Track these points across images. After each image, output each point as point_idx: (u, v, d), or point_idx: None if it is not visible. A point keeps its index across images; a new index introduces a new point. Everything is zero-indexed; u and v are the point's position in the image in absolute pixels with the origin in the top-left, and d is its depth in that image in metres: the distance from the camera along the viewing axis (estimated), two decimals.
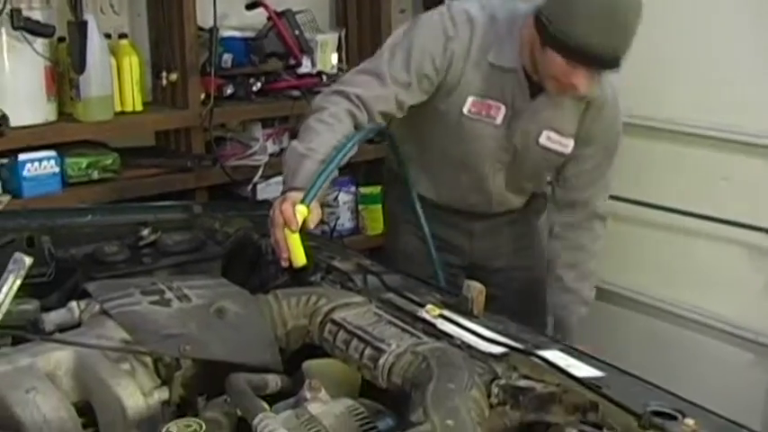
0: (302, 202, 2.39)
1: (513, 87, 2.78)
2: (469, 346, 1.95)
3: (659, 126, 3.62)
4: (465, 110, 2.81)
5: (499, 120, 2.82)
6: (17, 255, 1.38)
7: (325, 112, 2.66)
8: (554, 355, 1.93)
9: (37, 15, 3.32)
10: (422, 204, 2.95)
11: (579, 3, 2.50)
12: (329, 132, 2.61)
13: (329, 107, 2.68)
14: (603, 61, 2.56)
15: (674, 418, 1.65)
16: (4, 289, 1.35)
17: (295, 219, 2.35)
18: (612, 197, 3.22)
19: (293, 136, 3.93)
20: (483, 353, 1.93)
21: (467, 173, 2.95)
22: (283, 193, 2.49)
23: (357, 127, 2.68)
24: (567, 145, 2.89)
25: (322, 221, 2.76)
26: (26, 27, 3.26)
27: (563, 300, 3.03)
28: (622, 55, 2.55)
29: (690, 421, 1.64)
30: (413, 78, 2.74)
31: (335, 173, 2.63)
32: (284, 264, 2.39)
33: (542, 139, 2.86)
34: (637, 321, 3.87)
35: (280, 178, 3.76)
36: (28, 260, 1.38)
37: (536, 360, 1.89)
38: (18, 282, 1.39)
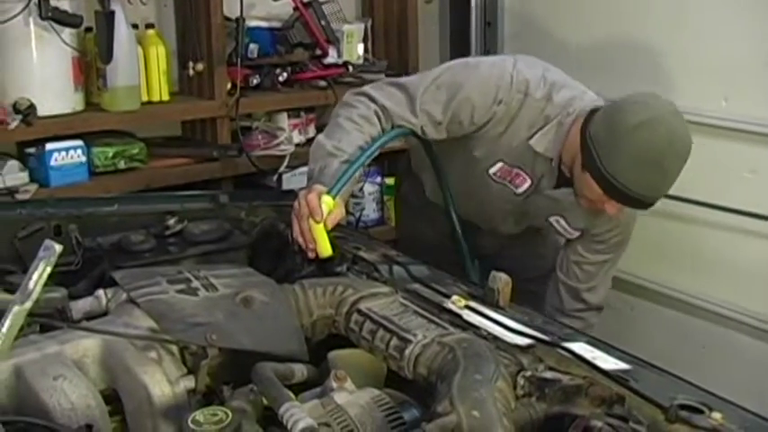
0: (328, 193, 2.39)
1: (543, 170, 2.76)
2: (496, 338, 1.95)
3: (686, 119, 3.59)
4: (491, 171, 2.81)
5: (521, 190, 2.81)
6: (47, 242, 1.38)
7: (354, 112, 2.66)
8: (580, 347, 1.92)
9: (65, 5, 3.33)
10: (435, 208, 3.01)
11: (628, 145, 2.47)
12: (358, 133, 2.62)
13: (359, 107, 2.68)
14: (639, 203, 2.57)
15: (700, 411, 1.65)
16: (35, 276, 1.36)
17: (320, 209, 2.35)
18: None
19: (319, 126, 3.98)
20: (509, 344, 1.92)
21: (478, 212, 2.98)
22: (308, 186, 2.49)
23: (384, 131, 2.68)
24: (573, 234, 2.90)
25: (347, 212, 2.76)
26: (54, 17, 3.28)
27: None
28: (659, 199, 2.57)
29: (717, 415, 1.64)
30: (445, 120, 2.72)
31: (362, 169, 2.62)
32: (311, 255, 2.39)
33: (552, 220, 2.88)
34: (663, 314, 3.85)
35: (305, 168, 3.80)
36: (58, 247, 1.38)
37: (562, 352, 1.89)
38: (48, 269, 1.39)
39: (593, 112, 2.61)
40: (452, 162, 2.88)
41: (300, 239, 2.40)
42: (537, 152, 2.72)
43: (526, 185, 2.81)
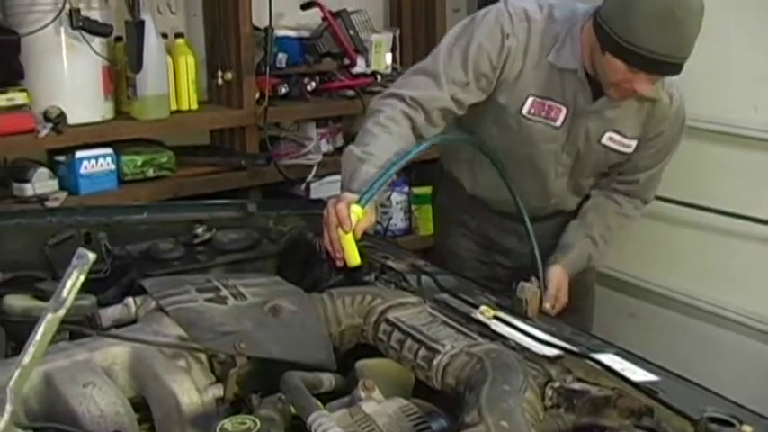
0: (357, 202, 2.39)
1: (574, 88, 2.75)
2: (524, 348, 1.94)
3: (712, 128, 3.58)
4: (525, 110, 2.78)
5: (559, 122, 2.79)
6: (81, 250, 1.39)
7: (381, 116, 2.66)
8: (609, 359, 1.91)
9: (95, 15, 3.36)
10: (474, 205, 2.94)
11: (638, 8, 2.47)
12: (386, 135, 2.61)
13: (385, 110, 2.67)
14: (665, 66, 2.53)
15: (731, 424, 1.64)
16: (68, 284, 1.36)
17: (349, 219, 2.35)
18: (665, 199, 3.19)
19: (347, 136, 3.99)
20: (537, 355, 1.92)
21: (530, 176, 2.91)
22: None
23: (415, 129, 2.68)
24: (630, 146, 2.86)
25: (376, 221, 2.77)
26: (85, 27, 3.30)
27: (577, 230, 3.02)
28: (684, 58, 2.52)
29: (747, 428, 1.62)
30: (470, 77, 2.72)
31: (393, 177, 2.61)
32: (339, 263, 2.39)
33: (604, 140, 2.84)
34: (691, 325, 3.82)
35: (333, 177, 3.84)
36: (91, 256, 1.39)
37: (591, 363, 1.88)
38: (82, 277, 1.40)
39: (595, 11, 2.62)
40: (484, 124, 2.87)
41: (329, 248, 2.40)
42: (561, 70, 2.72)
43: (563, 115, 2.79)
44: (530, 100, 2.77)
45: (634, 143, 2.86)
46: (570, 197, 3.03)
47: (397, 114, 2.66)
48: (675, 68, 2.55)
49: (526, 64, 2.73)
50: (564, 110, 2.77)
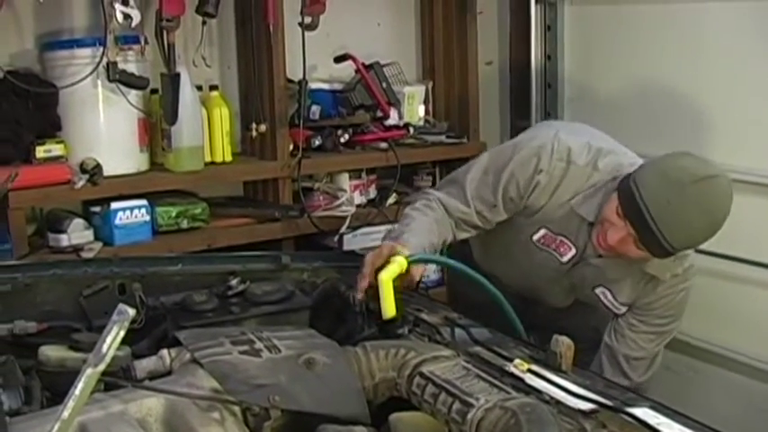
0: (407, 257, 2.42)
1: (587, 240, 2.75)
2: (558, 402, 1.93)
3: (750, 179, 3.56)
4: (535, 238, 2.81)
5: (566, 258, 2.81)
6: (121, 306, 1.40)
7: (417, 203, 2.81)
8: (644, 413, 1.89)
9: (131, 68, 3.40)
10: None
11: (666, 167, 2.50)
12: (423, 216, 2.74)
13: (419, 202, 2.82)
14: (645, 230, 2.52)
15: None
16: (108, 339, 1.37)
17: (383, 257, 2.41)
18: (701, 251, 3.16)
19: (380, 187, 4.01)
20: (572, 409, 1.90)
21: (525, 279, 2.94)
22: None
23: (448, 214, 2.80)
24: (620, 309, 2.86)
25: (408, 273, 2.76)
26: (121, 80, 3.35)
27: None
28: (667, 243, 2.52)
29: None
30: (499, 200, 2.76)
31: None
32: (359, 296, 2.41)
33: (597, 292, 2.85)
34: (727, 378, 3.79)
35: (366, 229, 3.86)
36: (131, 311, 1.40)
37: (625, 417, 1.86)
38: (122, 332, 1.40)
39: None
40: (495, 230, 2.88)
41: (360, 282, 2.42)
42: (581, 219, 2.71)
43: (571, 254, 2.80)
44: (542, 231, 2.79)
45: (624, 309, 2.86)
46: (569, 303, 3.02)
47: (432, 203, 2.77)
48: (665, 254, 2.57)
49: (551, 200, 2.74)
50: (573, 250, 2.79)
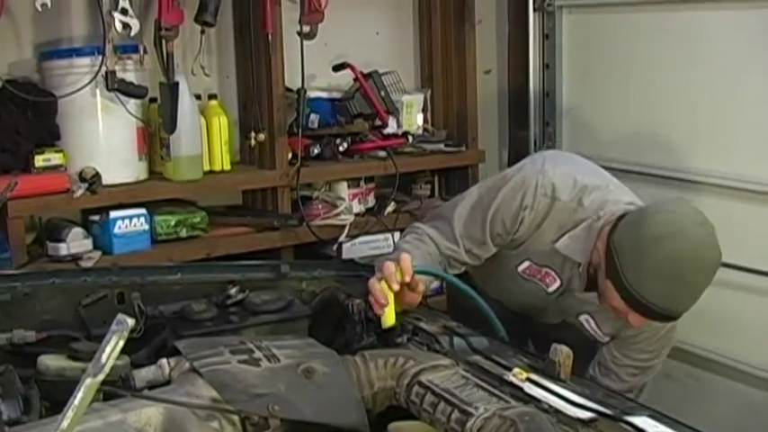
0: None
1: (572, 274, 2.74)
2: (557, 411, 1.93)
3: (750, 188, 3.57)
4: (520, 269, 2.81)
5: (552, 289, 2.80)
6: (120, 316, 1.40)
7: (408, 237, 2.84)
8: (643, 422, 1.90)
9: (130, 77, 3.40)
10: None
11: (650, 258, 2.42)
12: (416, 241, 2.78)
13: (411, 233, 2.85)
14: (661, 317, 2.52)
15: None
16: (108, 349, 1.37)
17: (395, 270, 2.41)
18: None
19: (379, 196, 4.01)
20: (571, 418, 1.90)
21: (517, 302, 2.94)
22: None
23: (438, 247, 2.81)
24: (603, 338, 2.84)
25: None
26: (120, 88, 3.35)
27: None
28: (683, 313, 2.51)
29: None
30: (487, 237, 2.76)
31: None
32: (377, 311, 2.41)
33: (582, 318, 2.83)
34: (728, 387, 3.78)
35: (365, 238, 3.86)
36: (131, 321, 1.40)
37: (625, 426, 1.87)
38: (121, 343, 1.41)
39: (621, 218, 2.56)
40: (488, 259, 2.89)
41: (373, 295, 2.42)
42: (566, 258, 2.71)
43: (556, 285, 2.79)
44: (526, 263, 2.79)
45: (607, 339, 2.84)
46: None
47: (423, 237, 2.79)
48: (671, 319, 2.56)
49: (536, 235, 2.73)
50: (558, 282, 2.78)
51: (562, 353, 2.14)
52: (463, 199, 2.86)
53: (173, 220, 3.54)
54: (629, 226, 2.50)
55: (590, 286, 2.69)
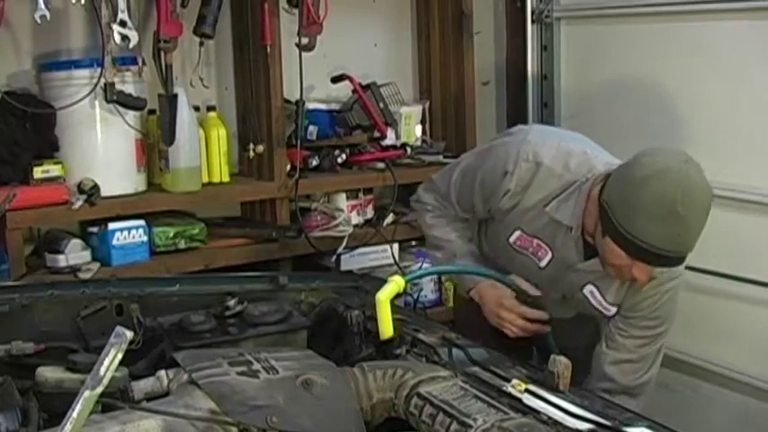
0: (403, 275, 2.42)
1: (566, 242, 2.72)
2: (556, 422, 1.94)
3: (750, 198, 3.57)
4: (511, 240, 2.80)
5: (544, 263, 2.77)
6: (119, 329, 1.40)
7: (431, 214, 2.97)
8: None
9: (129, 89, 3.40)
10: None
11: (640, 199, 2.41)
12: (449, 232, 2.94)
13: (427, 212, 2.98)
14: (665, 259, 2.48)
15: None
16: (106, 362, 1.37)
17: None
18: (700, 270, 3.15)
19: (377, 207, 4.01)
20: (570, 429, 1.91)
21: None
22: None
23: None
24: (609, 309, 2.78)
25: (405, 292, 2.77)
26: (119, 100, 3.35)
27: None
28: (686, 252, 2.48)
29: None
30: (477, 203, 2.82)
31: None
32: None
33: (586, 291, 2.78)
34: (726, 397, 3.78)
35: (364, 249, 3.85)
36: (129, 334, 1.40)
37: None
38: (119, 355, 1.41)
39: (608, 176, 2.55)
40: (480, 234, 2.94)
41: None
42: (556, 222, 2.69)
43: (548, 258, 2.76)
44: (517, 233, 2.78)
45: (613, 309, 2.79)
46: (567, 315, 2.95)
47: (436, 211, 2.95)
48: (675, 261, 2.52)
49: (523, 203, 2.72)
50: (550, 254, 2.75)
51: (561, 364, 2.15)
52: (456, 166, 2.93)
53: (171, 231, 3.54)
54: (615, 180, 2.51)
55: (589, 254, 2.68)
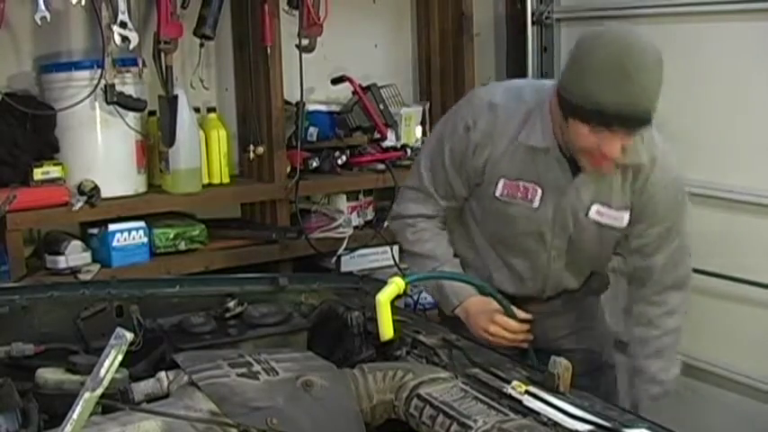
0: (403, 277, 2.42)
1: (549, 167, 2.69)
2: (556, 424, 1.93)
3: (750, 200, 3.57)
4: (497, 193, 2.75)
5: (536, 203, 2.73)
6: (119, 330, 1.40)
7: (411, 230, 2.88)
8: None
9: (129, 90, 3.40)
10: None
11: (588, 62, 2.44)
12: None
13: (407, 228, 2.88)
14: (624, 119, 2.44)
15: None
16: (106, 363, 1.37)
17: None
18: (700, 271, 3.14)
19: (377, 209, 4.01)
20: (570, 430, 1.91)
21: (521, 258, 2.86)
22: None
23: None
24: (620, 218, 2.75)
25: (406, 294, 2.78)
26: (119, 102, 3.35)
27: (632, 378, 2.90)
28: (645, 112, 2.46)
29: None
30: (456, 186, 2.80)
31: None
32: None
33: (592, 214, 2.74)
34: (726, 398, 3.78)
35: (364, 250, 3.85)
36: (129, 335, 1.40)
37: None
38: (120, 357, 1.41)
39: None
40: (468, 207, 2.88)
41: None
42: (534, 150, 2.67)
43: (538, 195, 2.72)
44: (501, 182, 2.73)
45: (624, 215, 2.75)
46: (570, 278, 2.93)
47: (421, 229, 2.87)
48: (636, 123, 2.47)
49: (495, 149, 2.71)
50: (539, 190, 2.72)
51: (561, 365, 2.14)
52: (422, 155, 2.92)
53: (171, 232, 3.54)
54: (564, 68, 2.56)
55: (574, 169, 2.68)
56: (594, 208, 2.73)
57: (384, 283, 2.43)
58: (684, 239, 2.83)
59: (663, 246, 2.80)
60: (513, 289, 2.87)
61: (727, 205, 3.54)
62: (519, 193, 2.72)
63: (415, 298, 3.80)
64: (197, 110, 3.74)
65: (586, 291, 3.02)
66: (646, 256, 2.82)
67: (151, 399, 2.06)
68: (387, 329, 2.36)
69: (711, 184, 3.52)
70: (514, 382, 2.11)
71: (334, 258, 3.88)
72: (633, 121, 2.45)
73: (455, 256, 2.88)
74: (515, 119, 2.68)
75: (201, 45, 3.62)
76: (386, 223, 3.99)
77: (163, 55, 3.42)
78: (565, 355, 2.75)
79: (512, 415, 1.96)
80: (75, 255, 3.34)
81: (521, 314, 2.71)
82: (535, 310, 2.86)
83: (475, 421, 1.90)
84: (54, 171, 3.35)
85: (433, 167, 2.81)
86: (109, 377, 1.42)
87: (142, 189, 3.58)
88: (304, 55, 3.73)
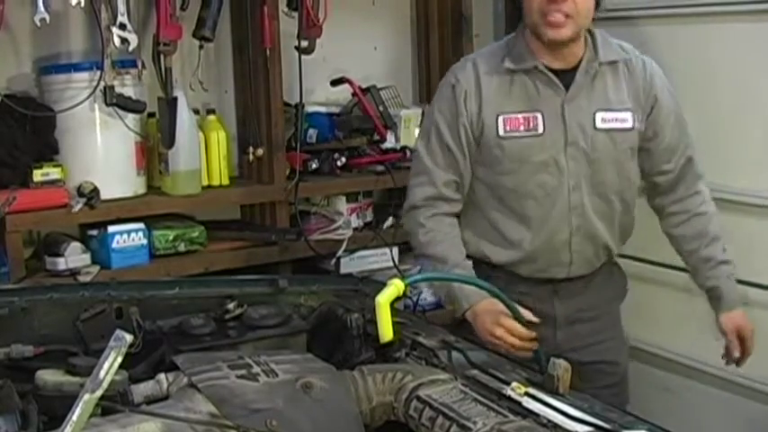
0: (403, 279, 2.41)
1: (541, 88, 2.76)
2: (556, 426, 1.94)
3: (754, 202, 3.56)
4: (501, 132, 2.77)
5: (540, 128, 2.77)
6: (118, 332, 1.40)
7: (422, 230, 2.85)
8: None
9: (129, 92, 3.40)
10: (498, 275, 2.88)
11: None
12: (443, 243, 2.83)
13: (419, 228, 2.86)
14: None
15: None
16: (106, 365, 1.37)
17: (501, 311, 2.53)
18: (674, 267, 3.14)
19: (377, 211, 4.00)
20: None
21: (544, 207, 2.82)
22: None
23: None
24: (626, 119, 2.82)
25: (405, 296, 2.78)
26: (118, 103, 3.35)
27: (705, 271, 2.98)
28: None
29: None
30: (456, 152, 2.81)
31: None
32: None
33: (599, 123, 2.79)
34: (723, 398, 3.75)
35: (363, 252, 3.85)
36: (129, 337, 1.40)
37: None
38: (119, 358, 1.41)
39: None
40: (478, 171, 2.87)
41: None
42: (521, 74, 2.77)
43: (540, 120, 2.77)
44: (501, 119, 2.77)
45: (629, 115, 2.82)
46: (598, 222, 2.87)
47: (431, 220, 2.85)
48: None
49: (483, 95, 2.77)
50: (539, 115, 2.77)
51: (561, 367, 2.15)
52: (421, 136, 2.97)
53: (171, 234, 3.54)
54: None
55: (566, 82, 2.77)
56: (600, 116, 2.80)
57: (383, 284, 2.42)
58: (685, 129, 3.00)
59: (681, 137, 2.96)
60: (536, 266, 2.89)
61: (734, 207, 3.54)
62: (521, 125, 2.77)
63: (415, 299, 3.79)
64: (196, 111, 3.74)
65: (610, 299, 3.06)
66: (671, 153, 2.95)
67: (151, 400, 2.06)
68: (386, 331, 2.35)
69: (718, 186, 3.51)
70: (514, 384, 2.11)
71: (334, 260, 3.88)
72: None
73: (468, 257, 2.85)
74: (496, 56, 2.82)
75: (201, 47, 3.61)
76: (385, 224, 4.01)
77: (162, 57, 3.41)
78: (590, 366, 2.82)
79: (511, 416, 1.96)
80: (74, 256, 3.33)
81: (528, 315, 2.69)
82: (562, 313, 2.93)
83: (474, 423, 1.91)
84: (53, 173, 3.34)
85: (429, 143, 2.85)
86: (108, 379, 1.42)
87: (142, 191, 3.57)
88: (303, 57, 3.73)
